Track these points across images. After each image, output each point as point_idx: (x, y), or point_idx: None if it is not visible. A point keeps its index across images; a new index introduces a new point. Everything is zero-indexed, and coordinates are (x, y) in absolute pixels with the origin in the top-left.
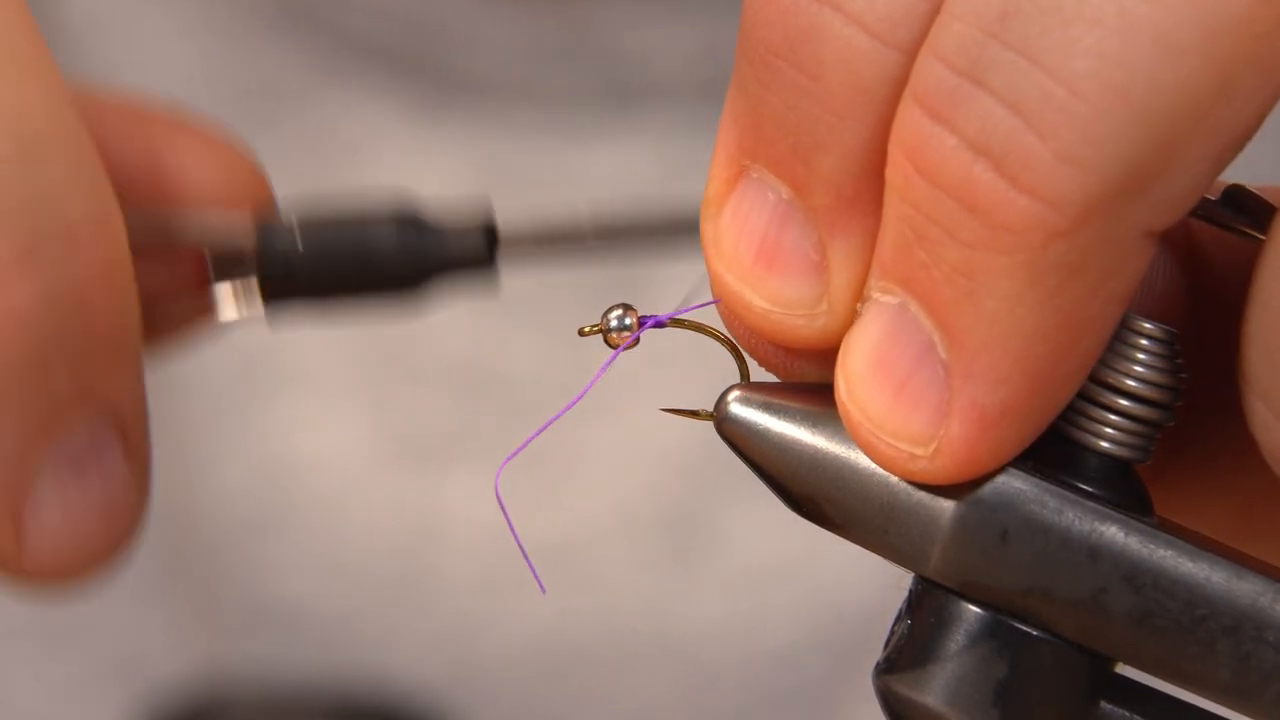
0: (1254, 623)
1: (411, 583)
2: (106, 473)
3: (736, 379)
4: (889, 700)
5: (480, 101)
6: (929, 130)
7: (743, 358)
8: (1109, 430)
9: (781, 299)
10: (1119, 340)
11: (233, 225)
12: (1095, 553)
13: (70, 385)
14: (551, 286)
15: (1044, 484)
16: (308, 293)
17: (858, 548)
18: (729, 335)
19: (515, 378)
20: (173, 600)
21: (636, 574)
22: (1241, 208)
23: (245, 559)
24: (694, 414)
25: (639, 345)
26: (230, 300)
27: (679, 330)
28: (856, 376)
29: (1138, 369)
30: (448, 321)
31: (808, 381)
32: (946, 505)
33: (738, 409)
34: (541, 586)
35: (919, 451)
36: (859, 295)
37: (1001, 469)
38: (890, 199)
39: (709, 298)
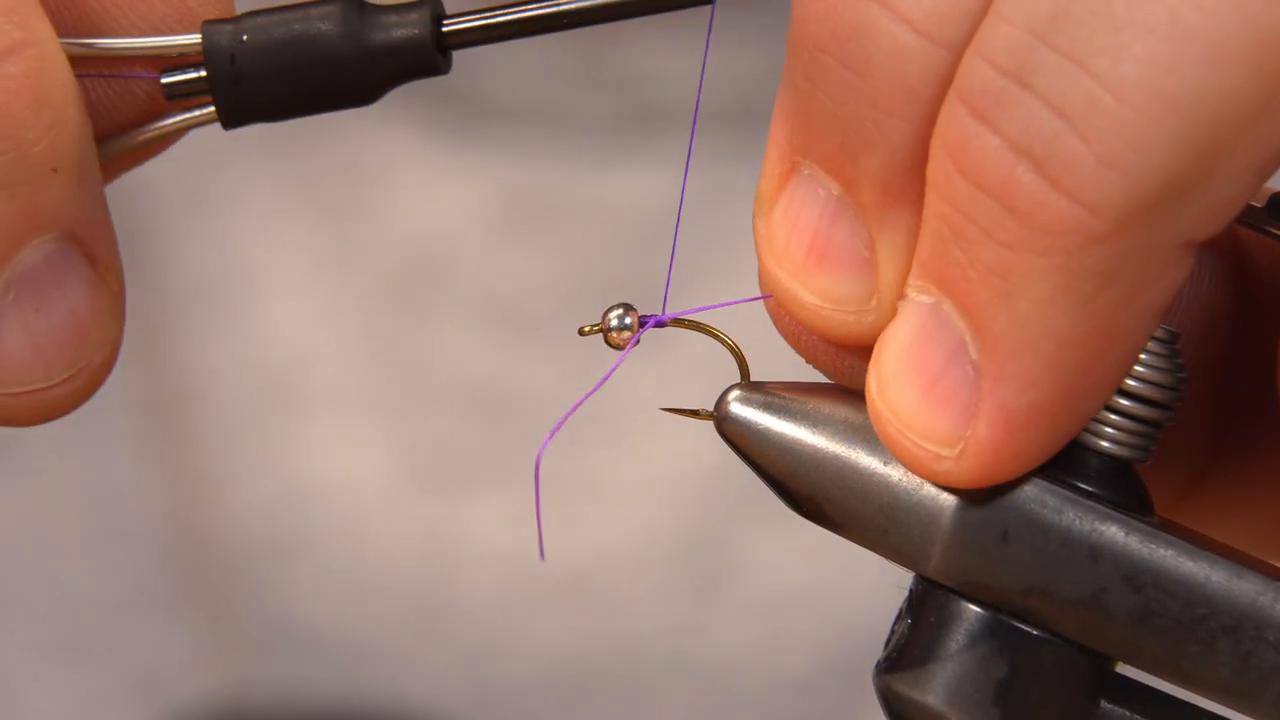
0: (1254, 622)
1: (431, 606)
2: (70, 293)
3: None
4: (889, 699)
5: (501, 127)
6: (972, 130)
7: (743, 357)
8: (1109, 430)
9: (832, 295)
10: None
11: (179, 29)
12: (1095, 552)
13: (10, 208)
14: (570, 308)
15: (1044, 483)
16: (256, 87)
17: (876, 576)
18: (727, 336)
19: (534, 400)
20: (193, 620)
21: (656, 600)
22: None
23: (266, 580)
24: (694, 413)
25: (659, 380)
26: (183, 103)
27: (702, 354)
28: (887, 374)
29: (1139, 368)
30: (466, 344)
31: (809, 381)
32: (947, 505)
33: (738, 409)
34: (542, 554)
35: (945, 452)
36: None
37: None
38: (930, 197)
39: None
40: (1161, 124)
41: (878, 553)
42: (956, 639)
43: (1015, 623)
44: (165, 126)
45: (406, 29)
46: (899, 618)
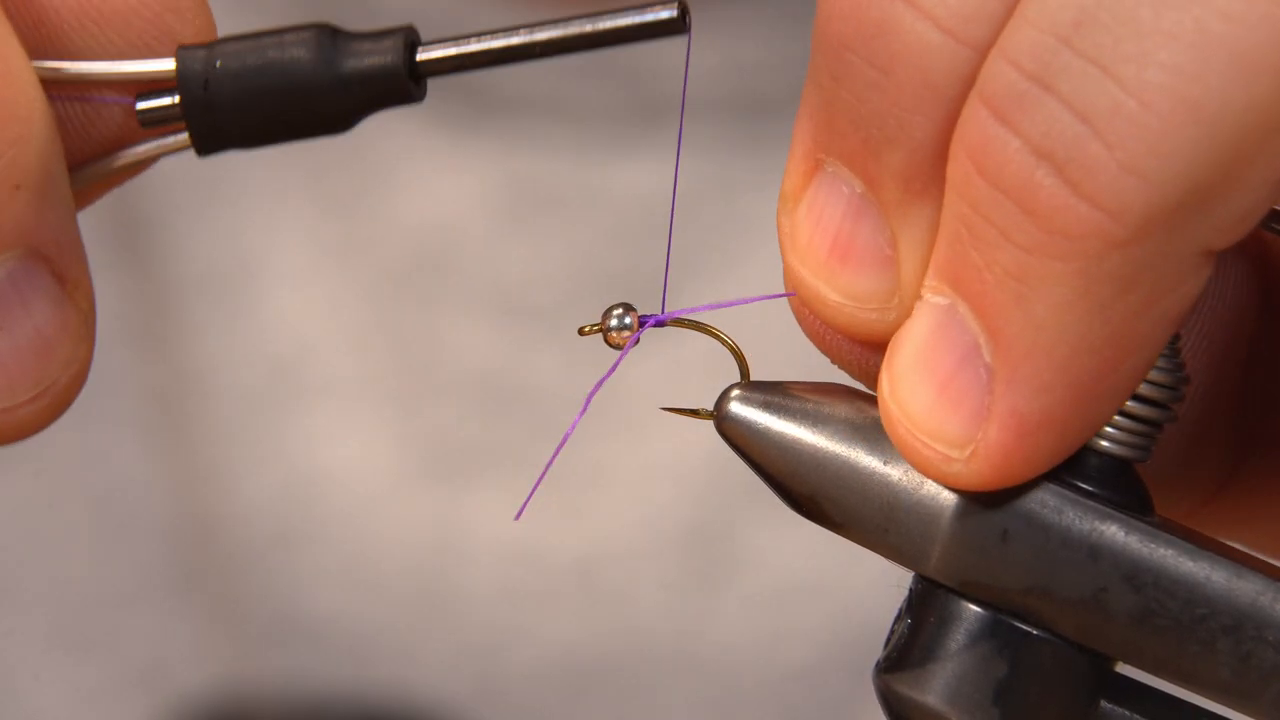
0: (1254, 622)
1: (436, 596)
2: (34, 310)
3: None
4: (889, 699)
5: (508, 116)
6: (993, 131)
7: (743, 357)
8: (1109, 429)
9: (855, 293)
10: None
11: (154, 53)
12: (1095, 552)
13: None
14: (575, 299)
15: (1044, 483)
16: (229, 114)
17: (880, 567)
18: (728, 335)
19: (540, 391)
20: (197, 610)
21: (660, 591)
22: None
23: (270, 570)
24: (694, 413)
25: (664, 368)
26: (156, 129)
27: (704, 345)
28: (900, 375)
29: None
30: (472, 334)
31: (809, 381)
32: (947, 505)
33: (738, 408)
34: (519, 513)
35: (955, 454)
36: None
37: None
38: (949, 198)
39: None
40: (1184, 131)
41: (878, 552)
42: (956, 639)
43: (1015, 622)
44: (139, 153)
45: (380, 56)
46: (899, 617)
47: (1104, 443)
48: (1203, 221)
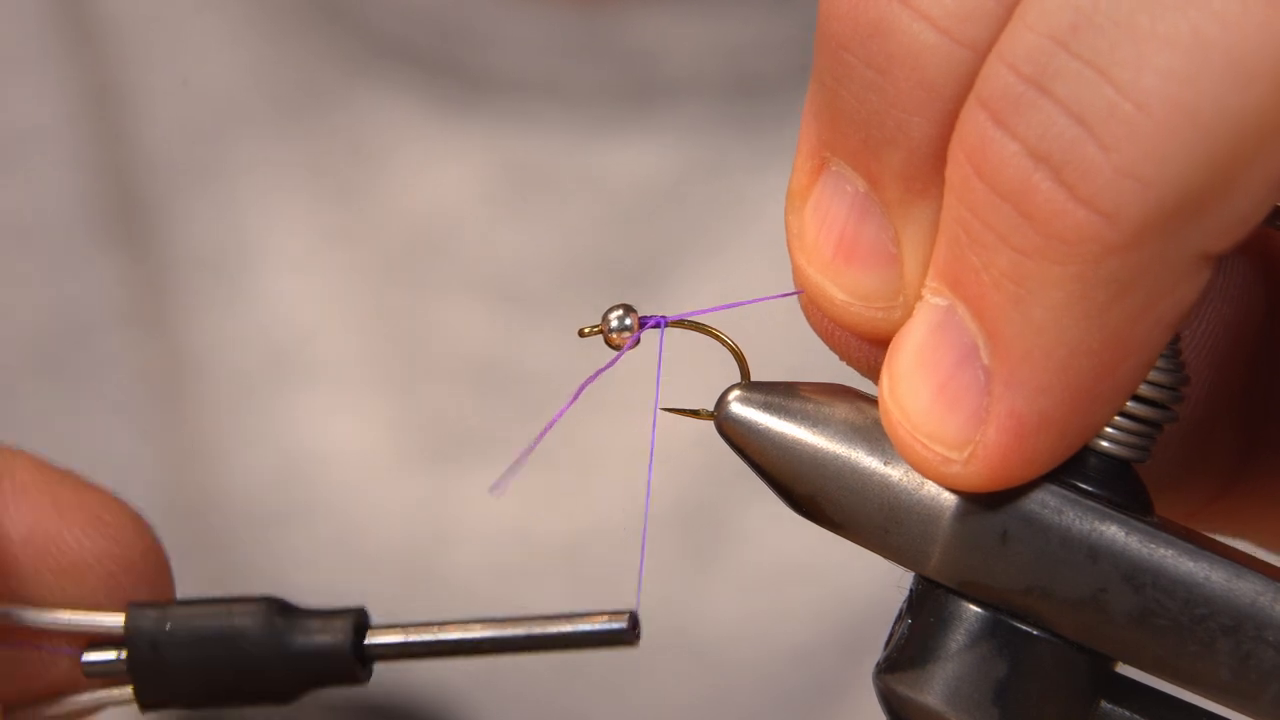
0: (1254, 622)
1: (427, 577)
2: None
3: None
4: (889, 699)
5: (503, 99)
6: (990, 134)
7: (743, 357)
8: (1109, 429)
9: (860, 291)
10: None
11: (105, 606)
12: (1095, 552)
13: None
14: (571, 283)
15: (1044, 484)
16: (175, 675)
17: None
18: (726, 336)
19: (534, 375)
20: (190, 589)
21: (653, 572)
22: None
23: (263, 551)
24: (694, 413)
25: (660, 345)
26: (101, 680)
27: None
28: (899, 375)
29: None
30: (467, 318)
31: (809, 382)
32: (946, 505)
33: (738, 408)
34: (495, 486)
35: (954, 455)
36: None
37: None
38: (948, 200)
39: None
40: (1180, 136)
41: (878, 553)
42: (956, 639)
43: (1015, 623)
44: (80, 703)
45: (327, 636)
46: (899, 618)
47: (1104, 443)
48: (1199, 226)
